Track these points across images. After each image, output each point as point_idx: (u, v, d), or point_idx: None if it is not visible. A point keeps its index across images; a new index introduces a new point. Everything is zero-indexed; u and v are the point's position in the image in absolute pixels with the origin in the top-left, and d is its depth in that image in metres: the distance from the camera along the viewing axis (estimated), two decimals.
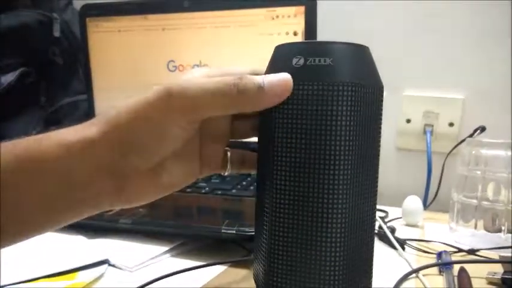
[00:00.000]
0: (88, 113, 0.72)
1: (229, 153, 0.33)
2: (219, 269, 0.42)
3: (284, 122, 0.28)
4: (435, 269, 0.44)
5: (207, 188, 0.60)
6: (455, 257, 0.47)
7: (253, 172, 0.34)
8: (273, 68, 0.30)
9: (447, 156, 0.69)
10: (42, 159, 0.25)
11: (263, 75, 0.27)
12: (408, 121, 0.78)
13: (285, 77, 0.27)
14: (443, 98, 0.75)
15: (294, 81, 0.27)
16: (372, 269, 0.31)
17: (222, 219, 0.46)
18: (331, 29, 0.72)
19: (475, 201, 0.54)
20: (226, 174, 0.34)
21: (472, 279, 0.39)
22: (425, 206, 0.69)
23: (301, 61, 0.27)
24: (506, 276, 0.40)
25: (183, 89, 0.25)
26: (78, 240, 0.46)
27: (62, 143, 0.25)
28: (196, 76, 0.28)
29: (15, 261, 0.39)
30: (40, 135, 0.26)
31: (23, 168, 0.24)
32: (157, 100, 0.26)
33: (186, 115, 0.26)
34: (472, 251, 0.49)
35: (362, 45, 0.29)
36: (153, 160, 0.27)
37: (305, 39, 0.59)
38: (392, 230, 0.54)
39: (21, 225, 0.25)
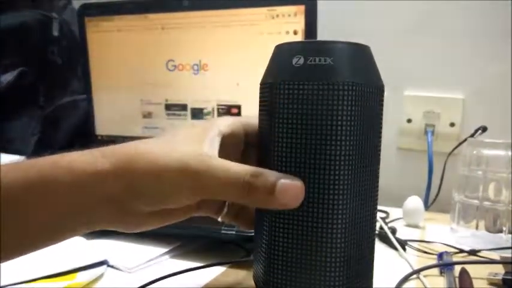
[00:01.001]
0: (87, 113, 0.72)
1: (226, 205, 0.35)
2: (218, 269, 0.42)
3: (284, 121, 0.27)
4: (436, 270, 0.44)
5: None
6: (456, 258, 0.47)
7: (244, 229, 0.36)
8: (273, 67, 0.29)
9: (448, 157, 0.69)
10: (53, 185, 0.26)
11: (279, 177, 0.26)
12: (409, 121, 0.77)
13: (298, 185, 0.26)
14: (444, 98, 0.75)
15: (294, 80, 0.27)
16: (373, 270, 0.31)
17: None
18: (331, 28, 0.72)
19: (476, 201, 0.54)
20: (219, 220, 0.35)
21: (473, 280, 0.39)
22: (426, 206, 0.69)
23: (301, 60, 0.27)
24: (508, 277, 0.40)
25: (199, 172, 0.26)
26: (77, 241, 0.46)
27: (73, 172, 0.26)
28: (215, 140, 0.29)
29: (15, 262, 0.39)
30: (53, 159, 0.27)
31: (34, 191, 0.26)
32: (174, 171, 0.26)
33: (195, 194, 0.27)
34: (473, 252, 0.49)
35: (362, 45, 0.29)
36: (157, 209, 0.29)
37: (305, 39, 0.59)
38: (393, 231, 0.54)
39: (27, 242, 0.27)
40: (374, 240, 0.31)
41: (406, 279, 0.41)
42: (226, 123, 0.32)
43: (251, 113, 0.64)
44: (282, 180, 0.26)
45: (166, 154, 0.27)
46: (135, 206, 0.27)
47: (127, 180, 0.26)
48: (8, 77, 0.67)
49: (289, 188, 0.26)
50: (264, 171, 0.27)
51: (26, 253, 0.27)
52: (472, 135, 0.62)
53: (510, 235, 0.53)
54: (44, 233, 0.27)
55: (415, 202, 0.61)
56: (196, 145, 0.28)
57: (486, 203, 0.54)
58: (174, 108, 0.67)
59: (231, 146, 0.32)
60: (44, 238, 0.27)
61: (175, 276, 0.38)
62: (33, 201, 0.25)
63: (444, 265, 0.43)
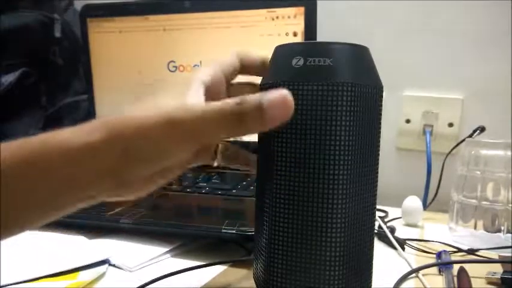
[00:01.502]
0: (89, 113, 0.72)
1: (220, 145, 0.34)
2: (219, 268, 0.42)
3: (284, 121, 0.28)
4: (435, 269, 0.44)
5: (207, 188, 0.60)
6: (455, 257, 0.48)
7: (243, 167, 0.35)
8: (273, 68, 0.30)
9: (447, 156, 0.69)
10: (46, 163, 0.25)
11: (263, 95, 0.26)
12: (408, 121, 0.78)
13: (282, 93, 0.26)
14: (443, 98, 0.75)
15: (294, 81, 0.28)
16: (372, 269, 0.31)
17: (222, 219, 0.46)
18: (331, 29, 0.73)
19: (474, 201, 0.55)
20: (215, 165, 0.35)
21: (472, 279, 0.39)
22: (425, 206, 0.69)
23: (301, 61, 0.28)
24: (506, 276, 0.40)
25: (185, 119, 0.26)
26: (79, 240, 0.46)
27: (64, 148, 0.26)
28: (199, 91, 0.29)
29: (16, 261, 0.39)
30: (44, 136, 0.26)
31: (27, 170, 0.25)
32: (162, 126, 0.26)
33: (188, 143, 0.27)
34: (471, 251, 0.49)
35: (361, 46, 0.29)
36: (154, 171, 0.28)
37: (305, 40, 0.59)
38: (392, 230, 0.54)
39: (25, 218, 0.26)
40: (373, 238, 0.31)
41: (404, 278, 0.41)
42: (207, 73, 0.31)
43: None
44: (267, 96, 0.25)
45: (152, 112, 0.26)
46: (133, 172, 0.27)
47: (119, 147, 0.26)
48: (10, 77, 0.67)
49: (275, 100, 0.25)
50: (246, 96, 0.26)
51: (24, 230, 0.27)
52: (471, 136, 0.62)
53: (508, 234, 0.53)
54: (42, 209, 0.26)
55: (413, 202, 0.62)
56: (180, 98, 0.28)
57: (484, 202, 0.54)
58: None
59: (215, 93, 0.31)
60: (42, 214, 0.27)
61: (176, 275, 0.38)
62: (27, 179, 0.25)
63: (443, 264, 0.43)
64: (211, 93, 0.31)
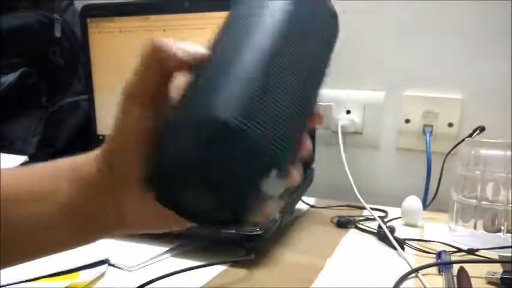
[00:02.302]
0: (88, 114, 0.72)
1: None
2: (218, 268, 0.42)
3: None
4: (435, 269, 0.44)
5: None
6: (455, 257, 0.48)
7: None
8: None
9: (446, 156, 0.69)
10: (56, 197, 0.27)
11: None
12: (408, 121, 0.78)
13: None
14: (442, 98, 0.75)
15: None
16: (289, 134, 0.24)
17: None
18: None
19: (474, 201, 0.55)
20: None
21: (472, 279, 0.40)
22: (425, 206, 0.69)
23: None
24: (506, 276, 0.40)
25: (128, 87, 0.27)
26: None
27: (73, 181, 0.27)
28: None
29: None
30: (53, 169, 0.28)
31: (39, 202, 0.26)
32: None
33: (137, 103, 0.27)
34: (471, 251, 0.49)
35: None
36: (135, 161, 0.27)
37: None
38: (392, 230, 0.54)
39: (43, 244, 0.28)
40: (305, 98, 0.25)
41: (404, 278, 0.41)
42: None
43: None
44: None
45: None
46: (121, 175, 0.27)
47: (105, 162, 0.27)
48: (10, 77, 0.67)
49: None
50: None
51: (40, 255, 0.28)
52: (470, 135, 0.62)
53: (508, 234, 0.53)
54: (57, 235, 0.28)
55: (413, 202, 0.62)
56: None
57: (484, 202, 0.54)
58: None
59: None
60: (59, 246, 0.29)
61: (175, 275, 0.39)
62: (41, 209, 0.26)
63: (443, 264, 0.44)
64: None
